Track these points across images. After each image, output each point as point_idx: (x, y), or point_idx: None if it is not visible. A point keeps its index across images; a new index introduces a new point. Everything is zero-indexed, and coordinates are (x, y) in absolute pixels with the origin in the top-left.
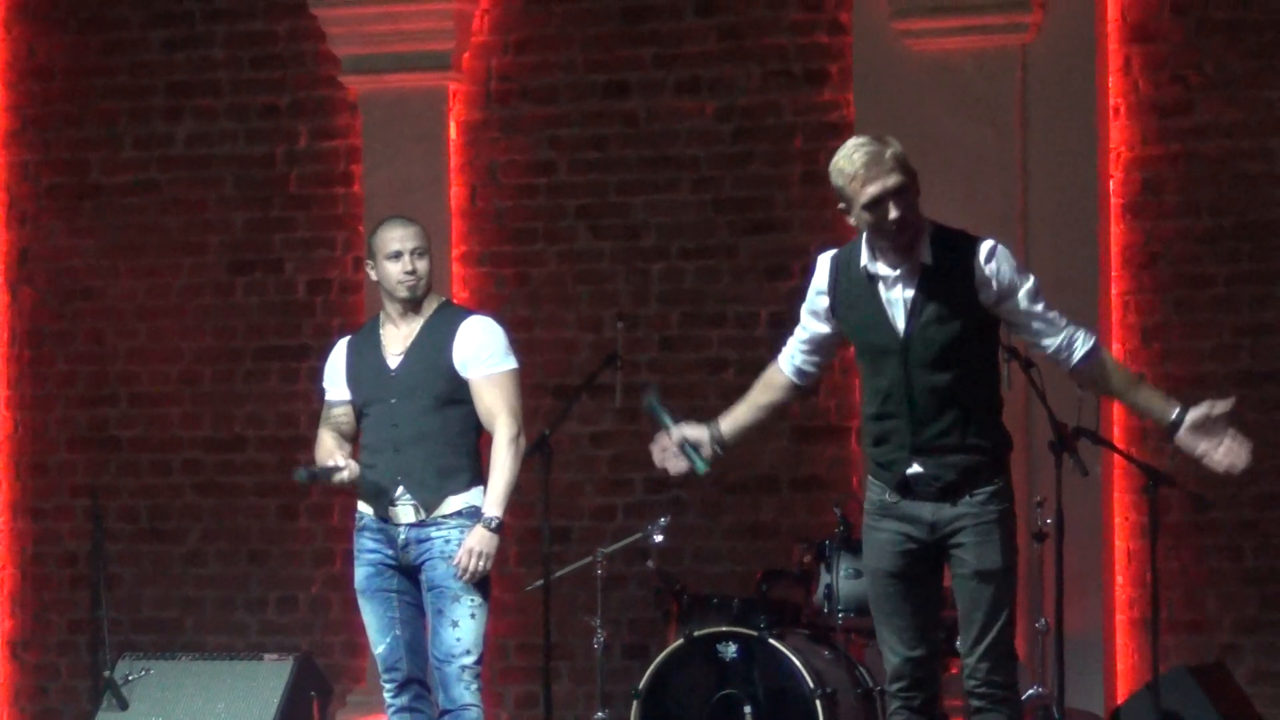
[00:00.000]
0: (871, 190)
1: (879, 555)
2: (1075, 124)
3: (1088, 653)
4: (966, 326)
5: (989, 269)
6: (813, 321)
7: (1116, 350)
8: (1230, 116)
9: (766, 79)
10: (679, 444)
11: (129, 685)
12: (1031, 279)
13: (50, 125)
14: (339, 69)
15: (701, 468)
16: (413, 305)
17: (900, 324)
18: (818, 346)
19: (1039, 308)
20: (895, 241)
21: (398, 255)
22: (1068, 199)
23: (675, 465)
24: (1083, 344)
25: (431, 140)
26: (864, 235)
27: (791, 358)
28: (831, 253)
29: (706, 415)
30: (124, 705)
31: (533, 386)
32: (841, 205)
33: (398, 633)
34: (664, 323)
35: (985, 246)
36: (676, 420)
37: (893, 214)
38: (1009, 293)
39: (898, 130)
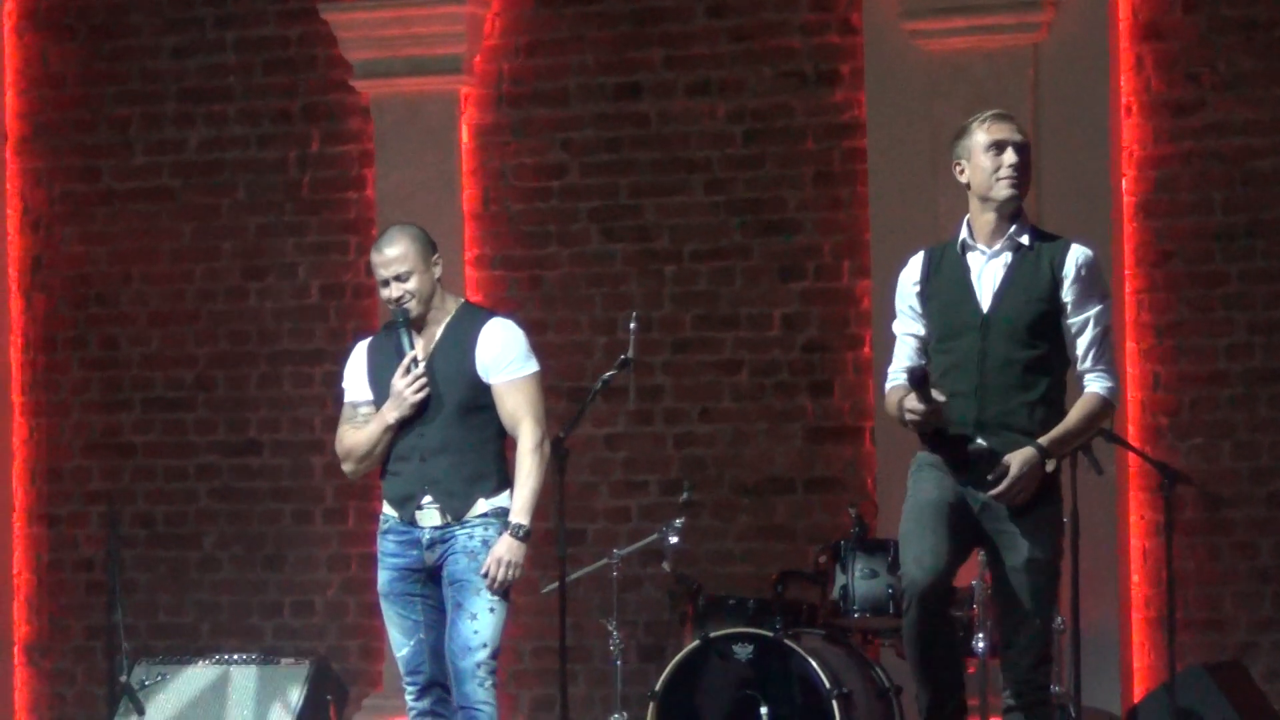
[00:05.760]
0: (994, 133)
1: (925, 488)
2: (1087, 123)
3: (1104, 651)
4: (1047, 314)
5: (1073, 269)
6: (910, 322)
7: (1131, 348)
8: (1242, 114)
9: (778, 80)
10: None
11: (145, 690)
12: (1102, 305)
13: (62, 132)
14: (351, 73)
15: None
16: (415, 322)
17: (986, 299)
18: (923, 345)
19: (1090, 334)
20: (1004, 196)
21: (384, 283)
22: (1080, 198)
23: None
24: (1089, 385)
25: (444, 144)
26: (964, 220)
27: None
28: (923, 250)
29: (719, 418)
30: (140, 710)
31: (546, 389)
32: (958, 165)
33: (421, 636)
34: (677, 325)
35: (1078, 248)
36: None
37: (1009, 159)
38: (1077, 304)
39: (909, 130)
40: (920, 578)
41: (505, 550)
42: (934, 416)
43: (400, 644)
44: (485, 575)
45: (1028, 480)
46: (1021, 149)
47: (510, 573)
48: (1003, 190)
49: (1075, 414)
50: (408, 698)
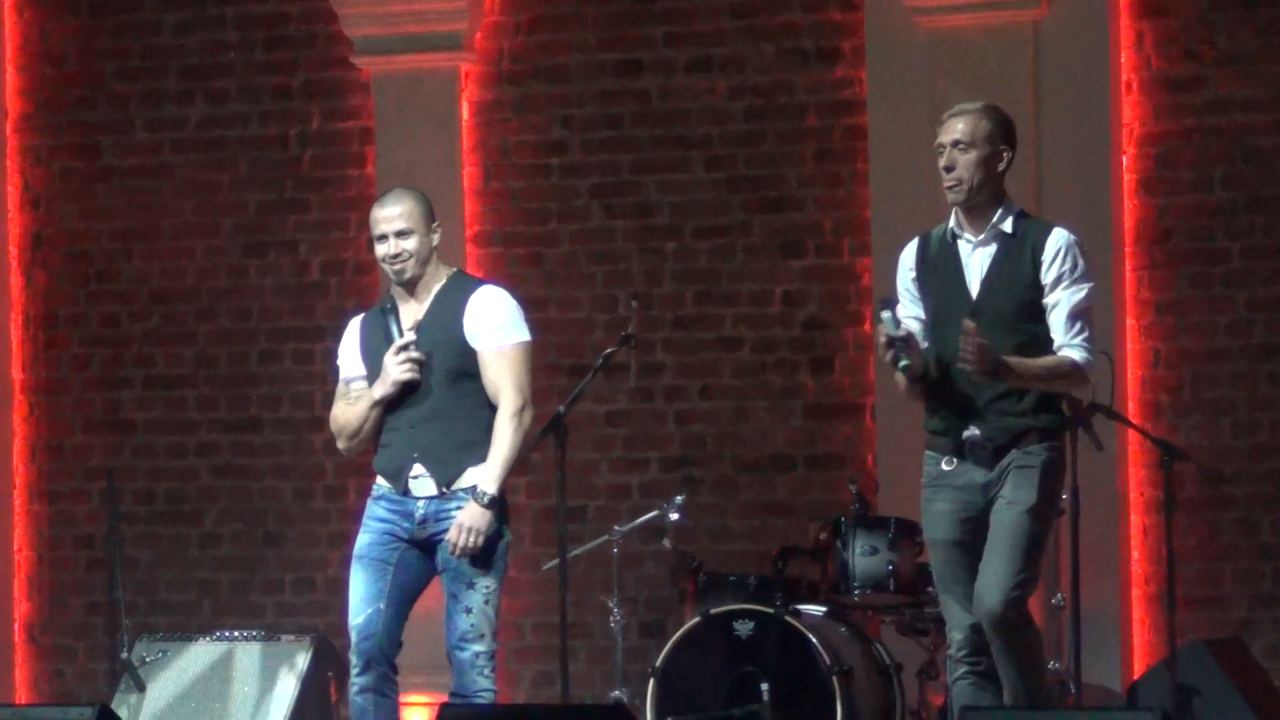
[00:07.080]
0: (938, 136)
1: (938, 526)
2: (1088, 100)
3: (1104, 628)
4: (1034, 299)
5: (1052, 252)
6: (911, 306)
7: (1131, 325)
8: (1243, 91)
9: (779, 57)
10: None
11: (146, 667)
12: (1084, 290)
13: (62, 109)
14: (351, 50)
15: (905, 365)
16: (408, 286)
17: (974, 285)
18: (926, 328)
19: (1065, 310)
20: (949, 200)
21: (382, 238)
22: (1081, 175)
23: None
24: (1063, 353)
25: (444, 121)
26: (954, 208)
27: None
28: (917, 237)
29: (720, 394)
30: (141, 687)
31: (547, 366)
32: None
33: (380, 607)
34: (678, 301)
35: (1059, 232)
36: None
37: (943, 163)
38: (1054, 284)
39: (910, 107)
40: (962, 629)
41: (468, 517)
42: (910, 353)
43: (358, 610)
44: (450, 542)
45: (982, 353)
46: (965, 148)
47: (472, 539)
48: (947, 195)
49: (1044, 360)
50: (352, 670)
